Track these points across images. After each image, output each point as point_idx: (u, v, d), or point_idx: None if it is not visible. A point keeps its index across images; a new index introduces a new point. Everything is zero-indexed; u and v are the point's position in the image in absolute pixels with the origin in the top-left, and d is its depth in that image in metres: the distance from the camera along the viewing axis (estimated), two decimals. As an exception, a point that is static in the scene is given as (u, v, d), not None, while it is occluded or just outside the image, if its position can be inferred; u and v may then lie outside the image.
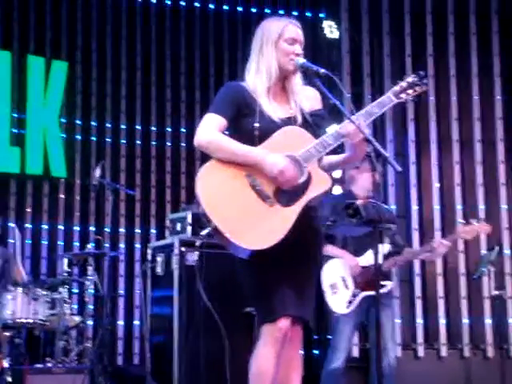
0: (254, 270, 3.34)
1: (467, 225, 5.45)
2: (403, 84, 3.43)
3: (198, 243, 5.71)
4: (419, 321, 7.76)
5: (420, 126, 8.22)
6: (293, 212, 3.24)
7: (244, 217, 3.19)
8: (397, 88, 3.43)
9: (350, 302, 5.39)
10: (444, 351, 7.66)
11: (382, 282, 5.41)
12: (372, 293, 5.31)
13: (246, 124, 3.36)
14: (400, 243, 5.67)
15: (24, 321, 6.18)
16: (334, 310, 5.43)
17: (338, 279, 5.46)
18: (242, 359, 5.67)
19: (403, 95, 3.42)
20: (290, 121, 3.41)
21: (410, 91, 3.43)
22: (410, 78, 3.45)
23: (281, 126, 3.36)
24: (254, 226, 3.19)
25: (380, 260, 5.35)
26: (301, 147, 3.29)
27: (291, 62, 3.42)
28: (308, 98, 3.53)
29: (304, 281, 3.43)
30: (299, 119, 3.43)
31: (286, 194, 3.26)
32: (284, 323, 3.32)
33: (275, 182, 3.23)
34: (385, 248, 5.48)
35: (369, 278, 5.33)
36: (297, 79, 3.50)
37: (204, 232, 3.30)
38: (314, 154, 3.29)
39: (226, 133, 3.41)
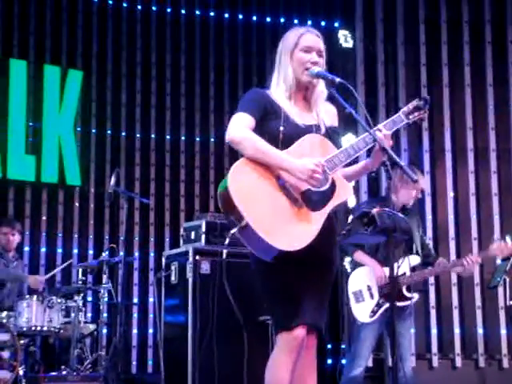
0: (273, 275, 3.34)
1: (502, 242, 5.41)
2: (410, 106, 3.53)
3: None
4: (434, 331, 7.72)
5: (434, 136, 8.21)
6: (320, 217, 3.29)
7: (274, 217, 3.20)
8: (405, 109, 3.53)
9: (374, 312, 5.37)
10: (459, 361, 7.62)
11: (407, 294, 5.40)
12: (397, 304, 5.32)
13: (271, 127, 3.39)
14: (432, 254, 5.66)
15: (39, 328, 6.21)
16: (357, 317, 5.42)
17: (363, 287, 5.44)
18: (257, 367, 5.70)
19: (411, 116, 3.52)
20: (312, 128, 3.45)
21: (416, 113, 3.52)
22: (416, 102, 3.54)
23: (305, 131, 3.40)
24: (285, 227, 3.20)
25: (408, 271, 5.39)
26: (324, 156, 3.34)
27: (305, 72, 3.45)
28: (328, 113, 3.58)
29: (321, 288, 3.45)
30: (322, 129, 3.48)
31: (312, 199, 3.29)
32: (301, 331, 3.32)
33: (305, 183, 3.26)
34: (414, 260, 5.47)
35: (395, 289, 5.25)
36: (320, 87, 3.52)
37: (232, 231, 3.24)
38: (337, 163, 3.34)
39: None
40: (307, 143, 3.37)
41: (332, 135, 3.50)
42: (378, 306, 5.36)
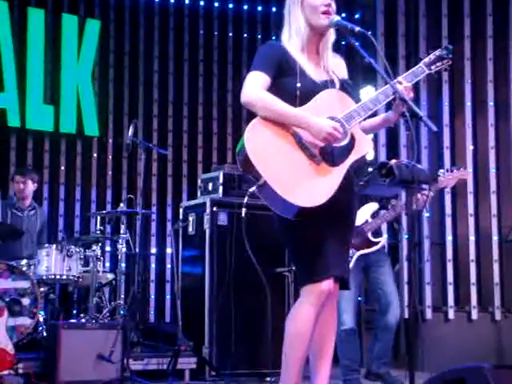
0: (297, 231, 3.34)
1: (448, 172, 5.47)
2: (431, 56, 3.50)
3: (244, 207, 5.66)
4: (450, 283, 7.73)
5: (454, 88, 8.11)
6: (339, 171, 3.27)
7: (293, 174, 3.19)
8: (426, 60, 3.50)
9: None
10: (475, 314, 7.63)
11: (374, 240, 5.49)
12: (366, 251, 5.46)
13: (287, 84, 3.36)
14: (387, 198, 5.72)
15: (58, 277, 6.28)
16: None
17: None
18: (273, 318, 5.75)
19: (433, 67, 3.49)
20: (327, 84, 3.42)
21: (438, 63, 3.50)
22: (438, 51, 3.51)
23: (321, 88, 3.37)
24: (303, 184, 3.19)
25: (369, 218, 5.49)
26: (342, 110, 3.32)
27: (323, 16, 3.40)
28: (338, 66, 3.56)
29: (344, 240, 3.47)
30: (337, 84, 3.45)
31: (331, 153, 3.28)
32: (328, 284, 3.35)
33: (322, 142, 3.24)
34: (372, 207, 5.55)
35: (362, 237, 5.42)
36: (330, 37, 3.48)
37: (251, 189, 3.24)
38: (355, 116, 3.32)
39: None
40: (325, 99, 3.34)
41: (347, 88, 3.48)
42: (349, 256, 5.44)
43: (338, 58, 3.59)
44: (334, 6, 3.44)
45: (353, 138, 3.32)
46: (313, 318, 3.36)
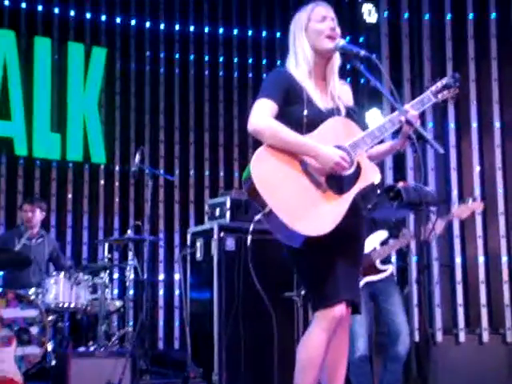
0: (306, 258, 3.33)
1: (461, 204, 5.50)
2: (438, 84, 3.49)
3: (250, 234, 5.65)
4: (460, 306, 7.68)
5: (460, 110, 8.12)
6: (345, 200, 3.26)
7: (299, 203, 3.18)
8: (433, 88, 3.49)
9: None
10: (486, 336, 7.58)
11: (382, 267, 5.47)
12: (374, 278, 5.44)
13: (294, 112, 3.36)
14: (397, 227, 5.71)
15: (67, 305, 6.27)
16: None
17: None
18: (282, 344, 5.72)
19: (440, 95, 3.49)
20: (334, 111, 3.42)
21: (445, 92, 3.50)
22: (445, 80, 3.50)
23: (327, 115, 3.37)
24: (309, 213, 3.18)
25: (377, 246, 5.49)
26: (348, 138, 3.31)
27: (328, 40, 3.41)
28: (344, 93, 3.56)
29: (354, 265, 3.44)
30: (343, 111, 3.45)
31: (337, 182, 3.27)
32: (340, 309, 3.32)
33: (328, 171, 3.24)
34: (381, 235, 5.55)
35: (369, 264, 5.41)
36: (336, 61, 3.49)
37: (256, 217, 3.23)
38: (361, 145, 3.32)
39: None
40: (331, 127, 3.34)
41: (352, 115, 3.48)
42: None
43: (344, 84, 3.59)
44: (338, 30, 3.45)
45: (359, 167, 3.31)
46: (324, 343, 3.33)
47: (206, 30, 8.91)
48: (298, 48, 3.45)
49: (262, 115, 3.29)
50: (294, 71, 3.45)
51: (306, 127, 3.31)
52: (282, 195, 3.17)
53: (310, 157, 3.24)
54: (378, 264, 5.49)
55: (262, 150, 3.25)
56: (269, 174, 3.20)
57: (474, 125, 7.97)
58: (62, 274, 6.35)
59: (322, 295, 3.33)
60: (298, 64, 3.45)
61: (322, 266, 3.32)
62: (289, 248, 3.33)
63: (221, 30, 8.96)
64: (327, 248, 3.27)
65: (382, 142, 3.47)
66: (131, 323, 6.79)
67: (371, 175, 3.36)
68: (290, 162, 3.24)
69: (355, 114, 3.52)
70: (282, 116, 3.33)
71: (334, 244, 3.27)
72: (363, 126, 3.46)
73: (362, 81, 7.99)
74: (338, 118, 3.39)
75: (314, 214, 3.18)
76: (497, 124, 7.93)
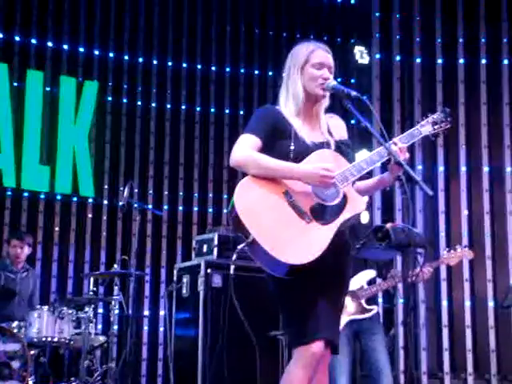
0: (289, 291, 3.31)
1: (451, 251, 5.53)
2: (429, 120, 3.54)
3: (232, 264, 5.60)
4: (446, 349, 7.65)
5: (449, 153, 8.17)
6: (330, 230, 3.24)
7: (283, 232, 3.18)
8: (424, 122, 3.53)
9: None
10: (471, 381, 7.54)
11: (368, 307, 5.47)
12: (359, 317, 5.43)
13: (281, 146, 3.37)
14: (386, 267, 5.72)
15: (49, 339, 6.19)
16: None
17: None
18: (266, 381, 5.67)
19: (430, 129, 3.54)
20: (323, 145, 3.44)
21: (436, 126, 3.54)
22: (436, 115, 3.56)
23: (314, 150, 3.38)
24: (293, 242, 3.17)
25: (365, 285, 5.48)
26: (335, 170, 3.31)
27: (320, 87, 3.43)
28: (336, 127, 3.58)
29: (336, 303, 3.42)
30: (332, 145, 3.46)
31: (322, 213, 3.27)
32: (319, 346, 3.28)
33: (319, 185, 3.25)
34: (369, 274, 5.55)
35: (356, 303, 5.41)
36: (325, 102, 3.52)
37: (240, 247, 3.25)
38: (348, 176, 3.32)
39: None
40: (318, 158, 3.34)
41: (343, 149, 3.49)
42: None
43: (337, 119, 3.61)
44: (332, 77, 3.47)
45: (345, 198, 3.31)
46: (303, 381, 3.29)
47: (199, 66, 8.96)
48: (291, 86, 3.47)
49: (244, 148, 3.32)
50: (284, 106, 3.47)
51: (293, 161, 3.32)
52: (265, 224, 3.18)
53: (294, 179, 3.25)
54: (363, 303, 5.48)
55: (246, 180, 3.27)
56: (252, 204, 3.21)
57: (463, 169, 8.03)
58: (46, 307, 6.29)
59: (300, 331, 3.30)
60: (288, 99, 3.47)
61: (303, 300, 3.30)
62: (273, 281, 3.32)
63: (213, 68, 9.00)
64: (311, 284, 3.26)
65: (370, 176, 3.48)
66: (114, 359, 6.70)
67: (357, 206, 3.35)
68: (274, 192, 3.25)
69: (347, 148, 3.52)
70: (268, 151, 3.34)
71: (318, 280, 3.26)
72: (354, 160, 3.45)
73: (353, 122, 8.04)
74: (325, 150, 3.40)
75: (297, 244, 3.18)
76: (485, 168, 7.99)
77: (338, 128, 3.59)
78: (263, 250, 3.14)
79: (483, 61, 8.18)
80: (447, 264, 5.62)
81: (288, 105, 3.47)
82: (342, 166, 3.34)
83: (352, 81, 8.16)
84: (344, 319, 5.38)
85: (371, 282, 5.56)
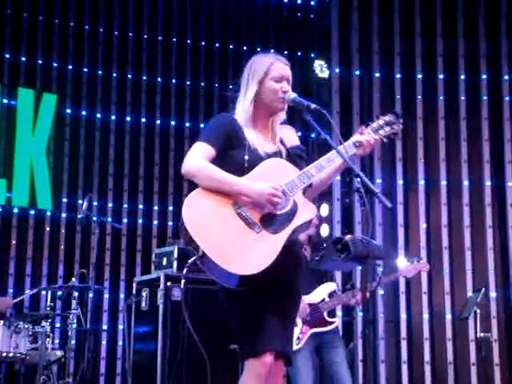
0: (239, 302, 3.31)
1: (408, 264, 5.62)
2: (380, 122, 3.55)
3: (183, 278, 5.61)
4: (404, 362, 7.70)
5: (408, 167, 8.25)
6: (280, 239, 3.24)
7: (232, 243, 3.18)
8: (374, 125, 3.54)
9: (299, 339, 5.39)
10: (429, 394, 7.60)
11: (329, 319, 5.52)
12: (321, 330, 5.48)
13: (236, 156, 3.38)
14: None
15: (4, 354, 6.08)
16: None
17: None
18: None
19: (381, 132, 3.53)
20: (275, 155, 3.45)
21: (387, 128, 3.54)
22: (387, 117, 3.56)
23: (267, 159, 3.39)
24: (243, 253, 3.17)
25: (326, 297, 5.55)
26: (284, 178, 3.33)
27: (280, 100, 3.45)
28: (287, 135, 3.58)
29: (288, 315, 3.43)
30: (284, 154, 3.48)
31: (272, 222, 3.27)
32: (268, 358, 3.28)
33: (263, 209, 3.25)
34: (330, 287, 5.60)
35: (318, 316, 5.46)
36: (281, 116, 3.53)
37: (190, 260, 3.26)
38: (297, 184, 3.33)
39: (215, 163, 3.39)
40: (266, 168, 3.35)
41: (294, 157, 3.49)
42: (302, 332, 5.40)
43: (287, 128, 3.61)
44: (290, 89, 3.48)
45: (295, 205, 3.32)
46: None
47: (159, 79, 8.93)
48: (248, 96, 3.47)
49: (196, 157, 3.31)
50: (240, 115, 3.47)
51: (247, 171, 3.32)
52: (214, 237, 3.17)
53: (244, 194, 3.25)
54: (325, 315, 5.49)
55: (195, 193, 3.26)
56: (200, 216, 3.20)
57: (422, 182, 8.11)
58: (1, 322, 6.18)
59: (250, 343, 3.30)
60: (244, 109, 3.47)
61: (254, 312, 3.30)
62: (223, 291, 3.32)
63: (173, 80, 8.98)
64: (261, 295, 3.26)
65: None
66: (72, 374, 6.61)
67: (308, 213, 3.35)
68: (223, 204, 3.24)
69: (297, 156, 3.52)
70: (222, 160, 3.34)
71: (269, 292, 3.27)
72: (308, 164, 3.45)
73: (313, 135, 8.09)
74: (273, 159, 3.40)
75: (247, 254, 3.17)
76: (443, 182, 8.08)
77: (289, 136, 3.60)
78: (214, 263, 3.14)
79: (441, 76, 8.29)
80: (405, 276, 5.67)
81: (244, 115, 3.46)
82: (291, 173, 3.35)
83: (312, 94, 8.20)
84: (308, 332, 5.41)
85: (331, 295, 5.58)
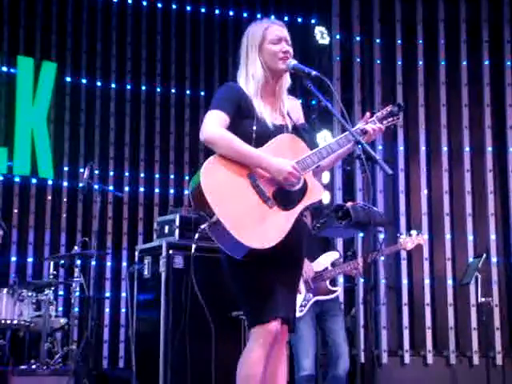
0: (245, 271, 3.33)
1: (407, 236, 5.65)
2: (384, 112, 3.58)
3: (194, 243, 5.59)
4: (406, 327, 7.75)
5: (409, 134, 8.24)
6: (291, 216, 3.29)
7: (246, 215, 3.20)
8: (379, 114, 3.58)
9: (303, 306, 5.42)
10: (430, 358, 7.65)
11: (332, 288, 5.57)
12: (322, 298, 5.51)
13: (244, 126, 3.38)
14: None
15: (9, 322, 6.14)
16: None
17: None
18: (228, 362, 5.67)
19: (385, 122, 3.57)
20: (282, 128, 3.46)
21: (389, 119, 3.59)
22: (390, 107, 3.60)
23: (275, 132, 3.40)
24: (255, 225, 3.20)
25: (329, 266, 5.57)
26: (296, 155, 3.35)
27: (281, 61, 3.44)
28: (293, 108, 3.59)
29: (292, 283, 3.47)
30: (290, 128, 3.48)
31: (283, 198, 3.30)
32: (275, 325, 3.33)
33: (277, 184, 3.27)
34: (333, 256, 5.64)
35: (320, 284, 5.49)
36: (286, 80, 3.53)
37: (203, 226, 3.24)
38: (309, 163, 3.36)
39: None
40: (279, 143, 3.37)
41: (301, 132, 3.51)
42: (306, 300, 5.43)
43: (293, 100, 3.62)
44: (291, 51, 3.49)
45: (305, 184, 3.35)
46: (262, 359, 3.33)
47: (159, 52, 8.88)
48: (250, 65, 3.47)
49: (215, 125, 3.31)
50: (245, 86, 3.47)
51: (255, 142, 3.34)
52: (230, 206, 3.19)
53: (263, 168, 3.26)
54: (327, 284, 5.53)
55: (212, 160, 3.27)
56: (218, 184, 3.21)
57: (423, 149, 8.10)
58: (5, 290, 6.22)
59: (257, 311, 3.34)
60: (248, 80, 3.47)
61: (259, 281, 3.33)
62: (228, 261, 3.34)
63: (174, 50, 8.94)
64: (267, 264, 3.29)
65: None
66: (75, 341, 6.66)
67: (317, 193, 3.40)
68: (239, 175, 3.26)
69: (303, 131, 3.54)
70: (231, 128, 3.34)
71: (274, 261, 3.29)
72: (311, 143, 3.50)
73: (314, 102, 8.06)
74: (286, 135, 3.42)
75: (259, 228, 3.20)
76: (444, 148, 8.07)
77: (296, 109, 3.61)
78: (226, 232, 3.15)
79: (442, 41, 8.24)
80: (404, 249, 5.70)
81: (249, 86, 3.46)
82: (302, 151, 3.38)
83: (313, 61, 8.15)
84: (311, 300, 5.44)
85: (334, 264, 5.62)
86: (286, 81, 3.54)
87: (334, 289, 5.58)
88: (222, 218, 3.14)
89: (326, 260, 5.59)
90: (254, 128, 3.37)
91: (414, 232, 5.70)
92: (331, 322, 5.56)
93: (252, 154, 3.28)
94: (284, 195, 3.30)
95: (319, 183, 3.46)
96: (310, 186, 3.37)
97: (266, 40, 3.46)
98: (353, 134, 3.33)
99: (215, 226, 3.19)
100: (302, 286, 5.45)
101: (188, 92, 8.92)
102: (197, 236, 4.99)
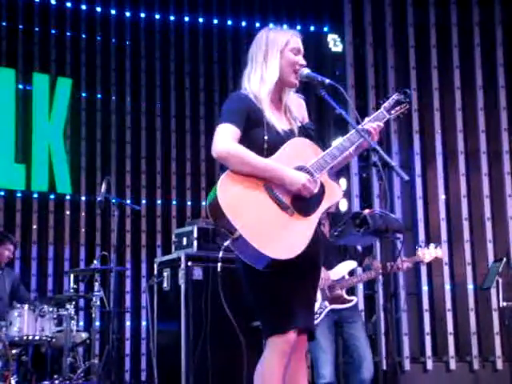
0: (264, 281, 3.29)
1: (424, 248, 5.64)
2: (390, 101, 3.53)
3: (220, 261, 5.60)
4: (427, 334, 7.70)
5: (425, 139, 8.21)
6: (312, 221, 3.27)
7: (267, 227, 3.17)
8: (386, 104, 3.53)
9: (318, 314, 5.41)
10: (453, 364, 7.60)
11: (348, 297, 5.55)
12: (338, 307, 5.50)
13: (255, 135, 3.35)
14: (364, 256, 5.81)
15: (31, 338, 6.16)
16: None
17: None
18: (251, 374, 5.66)
19: (393, 111, 3.53)
20: (291, 132, 3.43)
21: (397, 108, 3.54)
22: (396, 96, 3.55)
23: (285, 138, 3.37)
24: (278, 236, 3.17)
25: (346, 275, 5.59)
26: (309, 158, 3.32)
27: (294, 75, 3.43)
28: (298, 108, 3.55)
29: (310, 292, 3.44)
30: (296, 131, 3.46)
31: (303, 204, 3.27)
32: (292, 335, 3.30)
33: (293, 193, 3.24)
34: (350, 265, 5.63)
35: (336, 293, 5.49)
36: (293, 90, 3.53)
37: (225, 243, 3.19)
38: (323, 164, 3.32)
39: None
40: (292, 148, 3.34)
41: (308, 132, 3.48)
42: (321, 307, 5.41)
43: (296, 98, 3.57)
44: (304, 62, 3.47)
45: (322, 186, 3.32)
46: (279, 369, 3.30)
47: (172, 64, 8.92)
48: (270, 65, 3.42)
49: (227, 140, 3.27)
50: (255, 89, 3.42)
51: (266, 151, 3.31)
52: (249, 219, 3.15)
53: (275, 181, 3.24)
54: (343, 293, 5.52)
55: (228, 174, 3.24)
56: (236, 199, 3.18)
57: (440, 154, 8.07)
58: (27, 306, 6.25)
59: (275, 321, 3.31)
60: (263, 80, 3.42)
61: (278, 290, 3.30)
62: (246, 271, 3.30)
63: (187, 66, 8.97)
64: (286, 273, 3.25)
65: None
66: (97, 355, 6.68)
67: (335, 194, 3.38)
68: (255, 187, 3.23)
69: (312, 131, 3.51)
70: (243, 140, 3.32)
71: (293, 269, 3.25)
72: (321, 142, 3.46)
73: (327, 109, 8.05)
74: (297, 140, 3.39)
75: (282, 238, 3.17)
76: (461, 152, 8.03)
77: (300, 109, 3.57)
78: (249, 245, 3.11)
79: (455, 45, 8.21)
80: (421, 261, 5.67)
81: (262, 88, 3.41)
82: (315, 153, 3.35)
83: (326, 69, 8.15)
84: (326, 308, 5.43)
85: (352, 273, 5.61)
86: (293, 89, 3.52)
87: (350, 298, 5.57)
88: (245, 233, 3.11)
89: (343, 269, 5.58)
90: (266, 138, 3.33)
91: (432, 245, 5.67)
92: (350, 328, 5.55)
93: (265, 167, 3.24)
94: (303, 201, 3.26)
95: (336, 183, 3.42)
96: (328, 187, 3.34)
97: (288, 47, 3.43)
98: (368, 141, 3.31)
99: (237, 241, 3.15)
100: (318, 294, 5.43)
101: (201, 102, 8.93)
102: (221, 254, 4.99)
